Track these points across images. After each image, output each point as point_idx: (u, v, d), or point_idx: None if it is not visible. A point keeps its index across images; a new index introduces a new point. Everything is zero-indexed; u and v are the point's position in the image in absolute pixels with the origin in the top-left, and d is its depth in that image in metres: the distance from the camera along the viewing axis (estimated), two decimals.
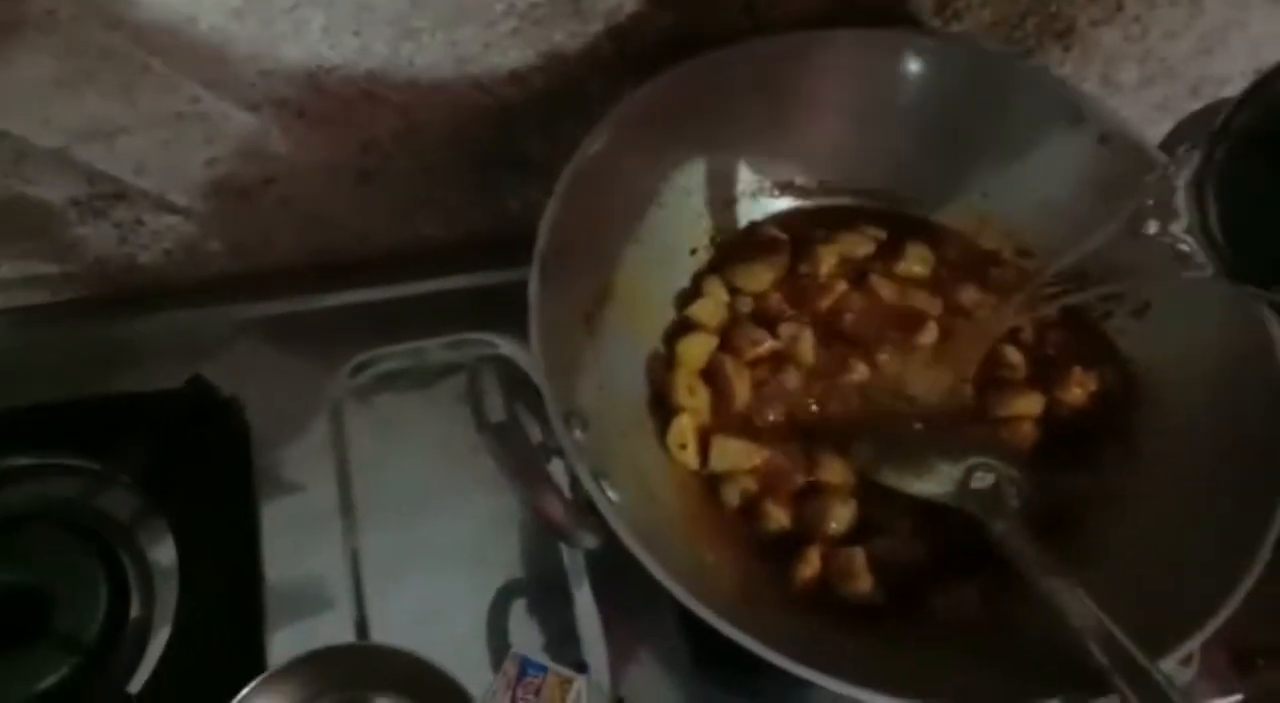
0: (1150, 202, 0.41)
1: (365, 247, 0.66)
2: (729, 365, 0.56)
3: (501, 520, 0.59)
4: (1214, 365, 0.55)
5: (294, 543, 0.57)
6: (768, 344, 0.57)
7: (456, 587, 0.57)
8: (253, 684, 0.48)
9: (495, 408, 0.44)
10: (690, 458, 0.54)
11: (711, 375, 0.56)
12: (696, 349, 0.56)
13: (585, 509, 0.43)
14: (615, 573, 0.56)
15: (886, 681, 0.42)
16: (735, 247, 0.60)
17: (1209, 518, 0.50)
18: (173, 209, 0.59)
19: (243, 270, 0.65)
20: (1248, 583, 0.46)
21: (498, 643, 0.56)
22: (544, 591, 0.58)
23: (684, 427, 0.54)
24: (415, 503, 0.59)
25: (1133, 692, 0.41)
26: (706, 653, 0.55)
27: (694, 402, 0.55)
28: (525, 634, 0.56)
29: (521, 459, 0.42)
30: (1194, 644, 0.44)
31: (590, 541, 0.43)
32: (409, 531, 0.58)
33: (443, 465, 0.60)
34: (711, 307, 0.58)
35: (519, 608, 0.57)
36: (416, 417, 0.62)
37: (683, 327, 0.57)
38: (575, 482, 0.45)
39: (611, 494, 0.45)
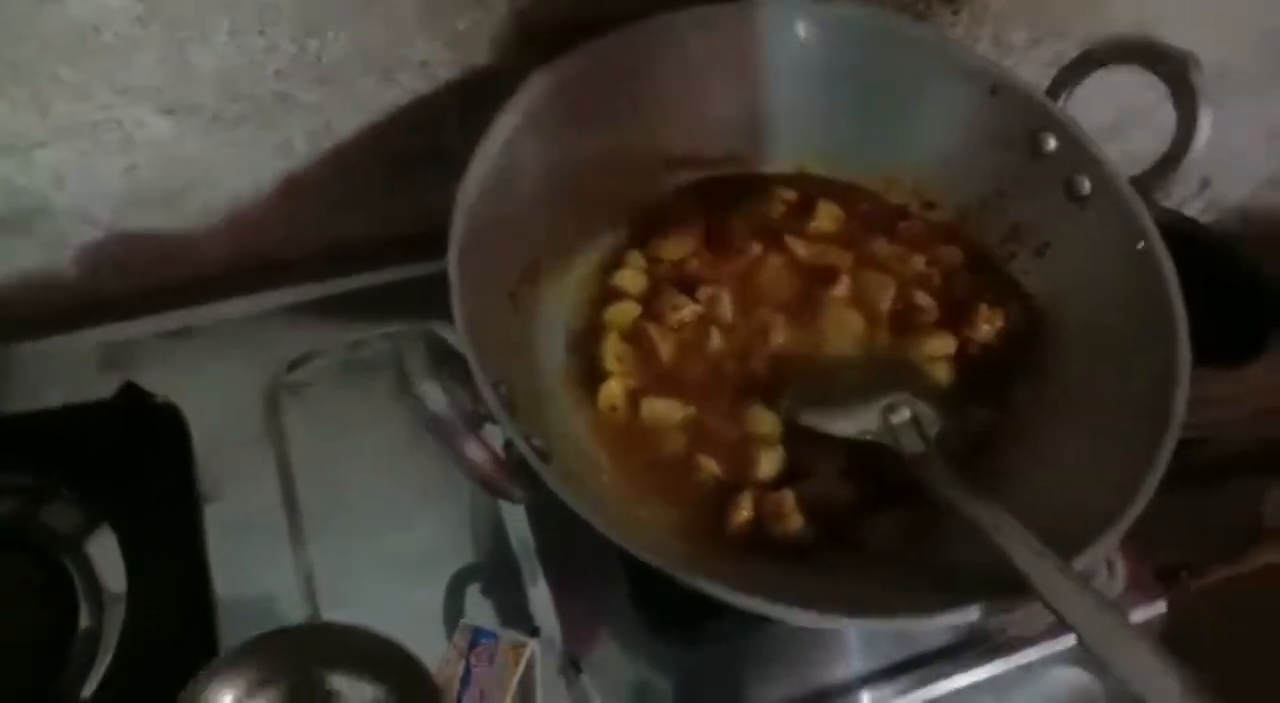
0: None
1: (291, 248, 0.67)
2: (653, 331, 0.58)
3: (447, 509, 0.60)
4: (1110, 297, 0.58)
5: (240, 541, 0.58)
6: (689, 308, 0.58)
7: (407, 575, 0.58)
8: (205, 670, 0.48)
9: (423, 378, 0.45)
10: (621, 419, 0.56)
11: (637, 340, 0.58)
12: (621, 317, 0.58)
13: (518, 469, 0.45)
14: (562, 544, 0.58)
15: (819, 603, 0.44)
16: (653, 219, 0.62)
17: (1111, 438, 0.53)
18: (95, 222, 0.60)
19: (170, 278, 0.65)
20: (1148, 492, 0.48)
21: (451, 623, 0.56)
22: (495, 573, 0.59)
23: (614, 390, 0.56)
24: (356, 495, 0.60)
25: (1049, 591, 0.43)
26: (654, 612, 0.57)
27: (622, 367, 0.57)
28: (478, 613, 0.57)
29: (448, 419, 0.43)
30: (1103, 548, 0.47)
31: (521, 495, 0.44)
32: (355, 521, 0.59)
33: (384, 458, 0.61)
34: (632, 275, 0.59)
35: (471, 591, 0.59)
36: (354, 411, 0.63)
37: (607, 296, 0.59)
38: (508, 445, 0.47)
39: (541, 447, 0.46)
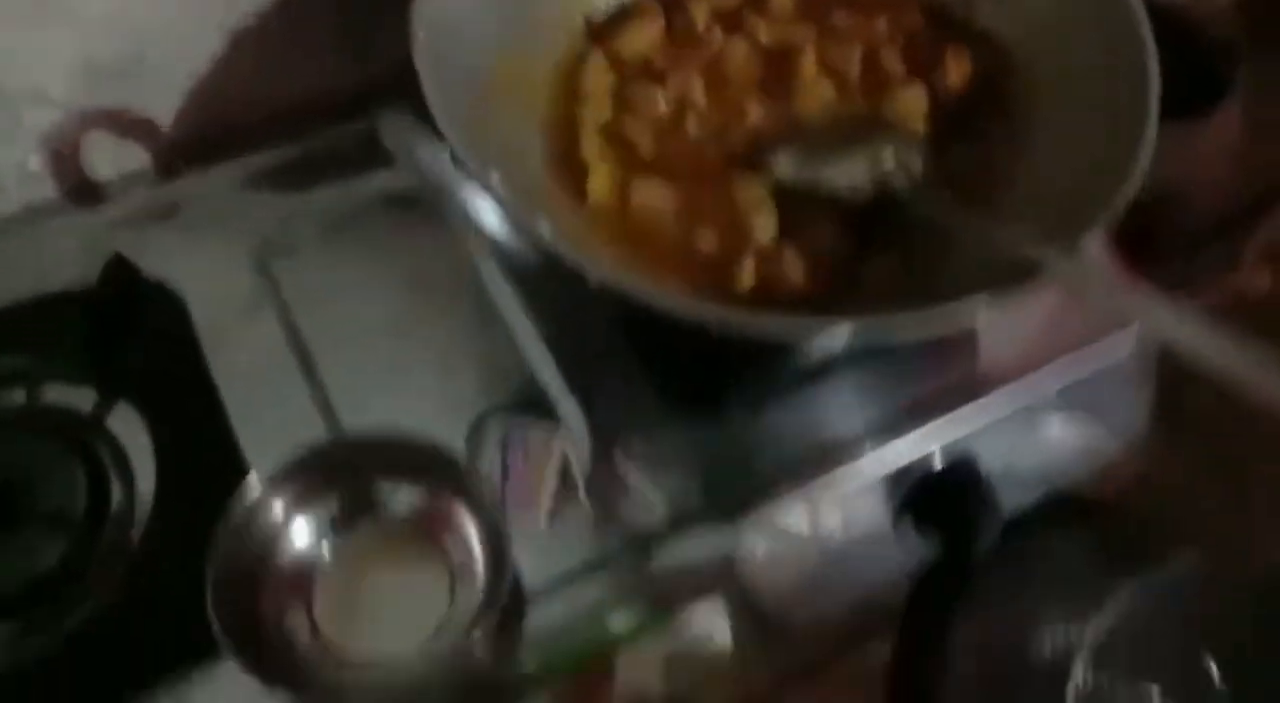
0: None
1: (253, 113, 0.66)
2: (629, 125, 0.58)
3: (453, 338, 0.60)
4: (1076, 33, 0.59)
5: (254, 391, 0.57)
6: (660, 99, 0.59)
7: (423, 394, 0.58)
8: (244, 490, 0.48)
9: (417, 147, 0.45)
10: (614, 211, 0.56)
11: (616, 138, 0.58)
12: (596, 115, 0.58)
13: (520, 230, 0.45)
14: (571, 337, 0.58)
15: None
16: (610, 21, 0.62)
17: (1089, 148, 0.54)
18: (50, 101, 0.59)
19: (138, 164, 0.65)
20: (1132, 187, 0.50)
21: (475, 435, 0.57)
22: (507, 381, 0.58)
23: (601, 181, 0.56)
24: (362, 338, 0.60)
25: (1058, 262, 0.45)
26: (675, 385, 0.57)
27: (604, 158, 0.57)
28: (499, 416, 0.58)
29: (450, 178, 0.44)
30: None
31: (531, 254, 0.45)
32: (363, 363, 0.59)
33: (380, 301, 0.61)
34: (598, 75, 0.60)
35: (488, 401, 0.58)
36: (345, 261, 0.63)
37: (577, 97, 0.59)
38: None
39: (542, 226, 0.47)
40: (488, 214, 0.45)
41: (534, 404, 0.57)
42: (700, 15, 0.62)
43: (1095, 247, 0.49)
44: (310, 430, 0.57)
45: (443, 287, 0.61)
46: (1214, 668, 0.56)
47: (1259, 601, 0.60)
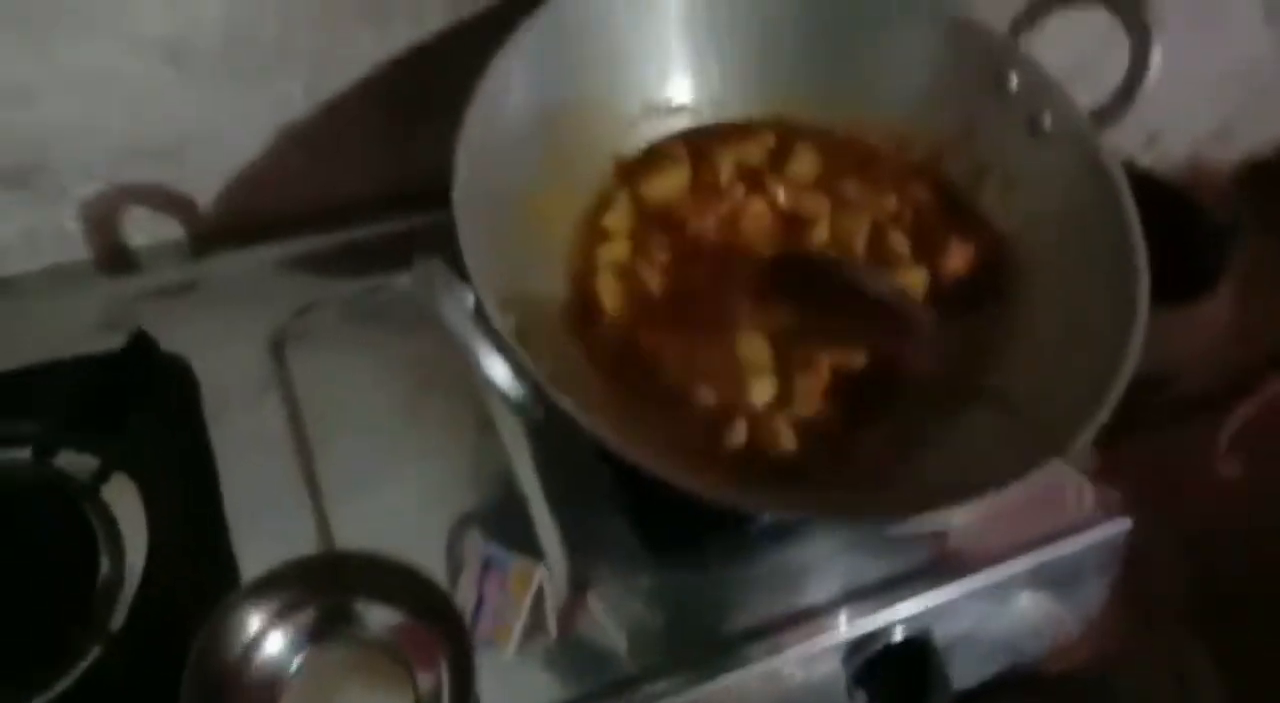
0: None
1: (288, 202, 0.68)
2: (643, 267, 0.60)
3: (447, 445, 0.62)
4: (1072, 228, 0.61)
5: (251, 481, 0.59)
6: (674, 245, 0.61)
7: (412, 507, 0.60)
8: (233, 595, 0.50)
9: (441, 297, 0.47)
10: (617, 351, 0.58)
11: (629, 277, 0.60)
12: (612, 255, 0.61)
13: (532, 386, 0.47)
14: (564, 472, 0.60)
15: (814, 505, 0.47)
16: (638, 165, 0.65)
17: (1080, 342, 0.57)
18: (95, 176, 0.61)
19: (172, 236, 0.67)
20: (1101, 417, 0.51)
21: (458, 551, 0.59)
22: (500, 503, 0.61)
23: (612, 315, 0.59)
24: (363, 434, 0.62)
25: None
26: (653, 533, 0.59)
27: (616, 302, 0.59)
28: (485, 541, 0.59)
29: (469, 333, 0.46)
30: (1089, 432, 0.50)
31: (537, 410, 0.47)
32: (361, 460, 0.61)
33: (388, 398, 0.63)
34: (621, 216, 0.62)
35: (473, 521, 0.60)
36: (357, 357, 0.65)
37: (598, 235, 0.61)
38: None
39: (545, 370, 0.49)
40: (499, 366, 0.46)
41: (516, 531, 0.59)
42: (726, 170, 0.64)
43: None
44: (299, 523, 0.59)
45: (447, 392, 0.63)
46: None
47: None
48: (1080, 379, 0.53)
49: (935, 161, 0.66)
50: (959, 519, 0.57)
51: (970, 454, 0.53)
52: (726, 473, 0.55)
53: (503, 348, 0.47)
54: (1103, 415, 0.50)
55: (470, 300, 0.48)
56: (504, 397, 0.47)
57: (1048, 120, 0.62)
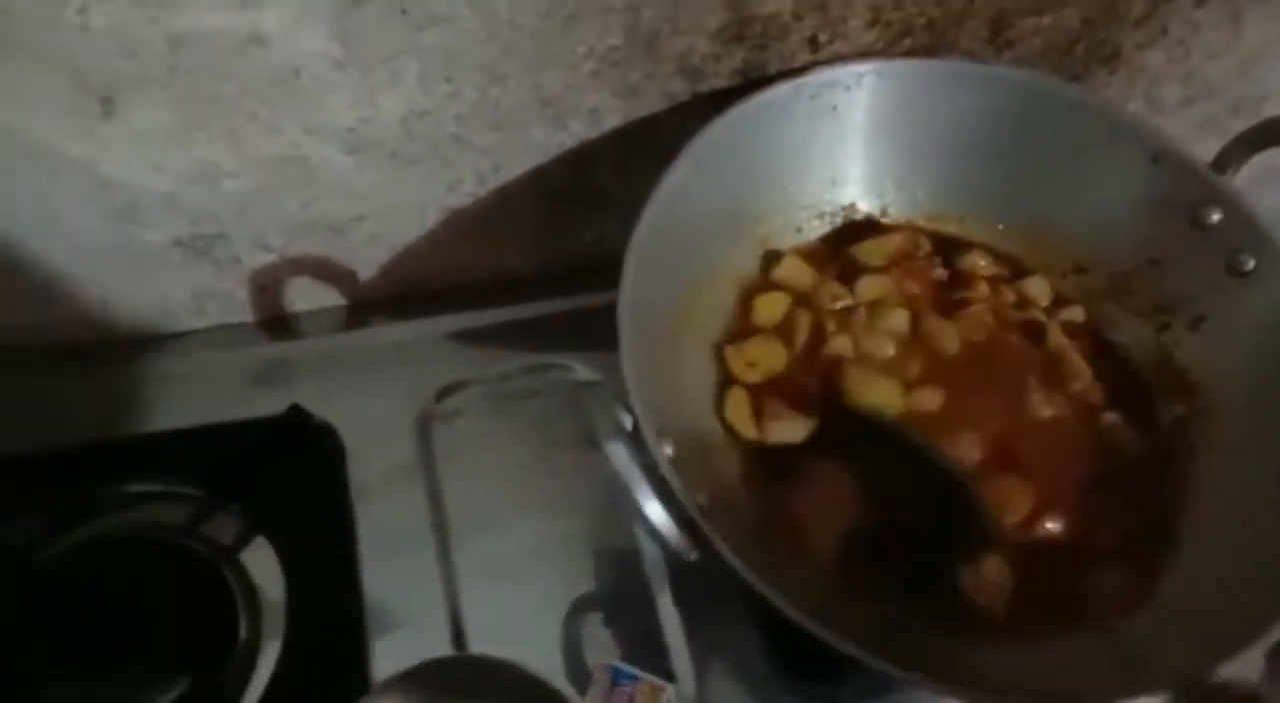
0: None
1: (446, 278, 0.69)
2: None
3: (581, 535, 0.61)
4: (1271, 378, 0.57)
5: (389, 561, 0.59)
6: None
7: (542, 597, 0.59)
8: (367, 696, 0.51)
9: (603, 428, 0.46)
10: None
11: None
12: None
13: (688, 525, 0.46)
14: (693, 584, 0.59)
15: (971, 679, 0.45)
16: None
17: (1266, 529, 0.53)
18: (268, 247, 0.63)
19: (331, 302, 0.68)
20: None
21: (582, 652, 0.58)
22: (625, 602, 0.60)
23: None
24: (499, 519, 0.61)
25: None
26: (789, 662, 0.57)
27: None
28: (607, 643, 0.58)
29: (631, 477, 0.45)
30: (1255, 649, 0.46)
31: (693, 553, 0.46)
32: (495, 545, 0.61)
33: (530, 486, 0.63)
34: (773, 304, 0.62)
35: (599, 618, 0.60)
36: (498, 439, 0.65)
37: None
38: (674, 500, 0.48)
39: (704, 505, 0.48)
40: (651, 499, 0.45)
41: (647, 646, 0.58)
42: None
43: None
44: (431, 607, 0.59)
45: (586, 487, 0.63)
46: None
47: None
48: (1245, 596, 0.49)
49: (1117, 289, 0.63)
50: None
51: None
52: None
53: (656, 480, 0.46)
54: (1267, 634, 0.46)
55: (628, 423, 0.48)
56: (655, 532, 0.46)
57: (1250, 262, 0.57)
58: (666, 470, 0.47)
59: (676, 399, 0.55)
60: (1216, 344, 0.59)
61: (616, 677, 0.55)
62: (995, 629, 0.53)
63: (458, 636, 0.58)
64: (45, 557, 0.58)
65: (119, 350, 0.66)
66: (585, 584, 0.60)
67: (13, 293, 0.61)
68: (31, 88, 0.50)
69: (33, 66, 0.49)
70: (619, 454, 0.46)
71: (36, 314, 0.63)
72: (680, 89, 0.60)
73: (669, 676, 0.56)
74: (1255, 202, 0.58)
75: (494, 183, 0.62)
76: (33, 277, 0.60)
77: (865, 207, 0.65)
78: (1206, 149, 0.62)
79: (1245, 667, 0.46)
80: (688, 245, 0.58)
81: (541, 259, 0.69)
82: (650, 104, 0.60)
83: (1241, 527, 0.54)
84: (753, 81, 0.60)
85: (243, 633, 0.58)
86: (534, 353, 0.66)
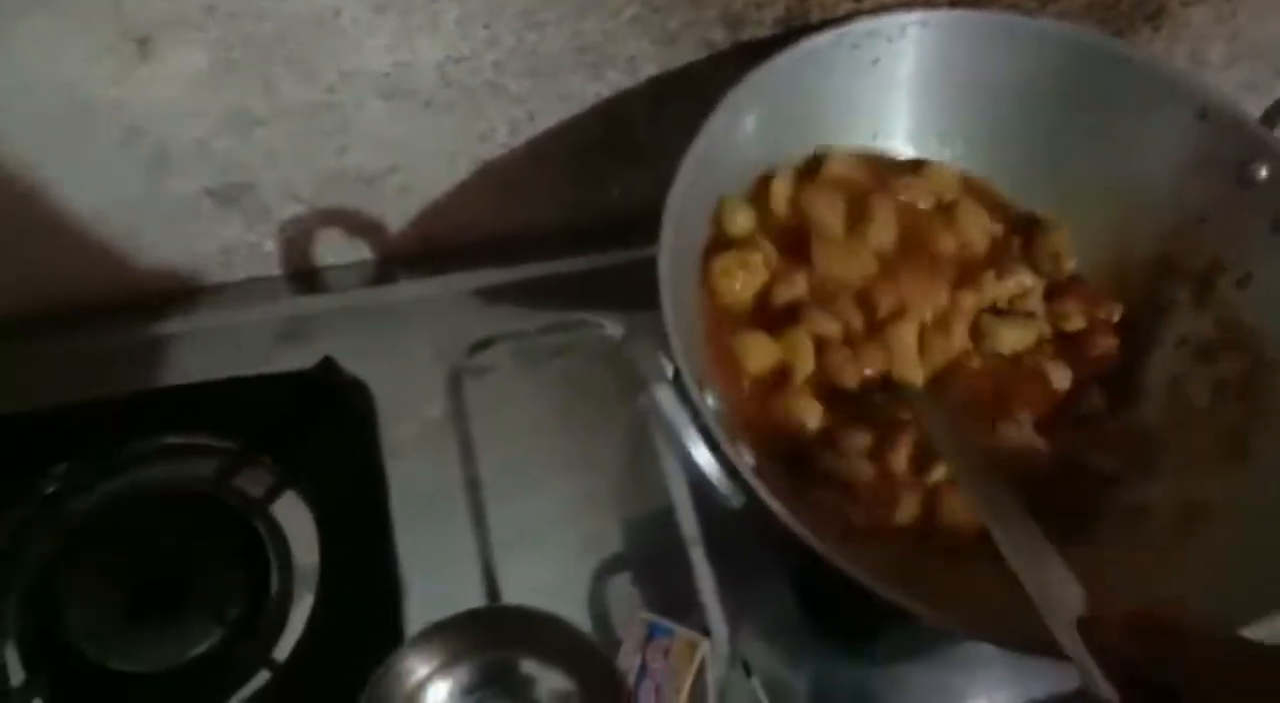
0: None
1: (477, 231, 0.68)
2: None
3: (614, 493, 0.61)
4: None
5: (422, 517, 0.59)
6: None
7: (574, 554, 0.59)
8: (402, 645, 0.50)
9: (656, 383, 0.46)
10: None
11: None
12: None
13: (732, 473, 0.45)
14: (728, 540, 0.58)
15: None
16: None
17: None
18: (298, 198, 0.62)
19: (361, 255, 0.67)
20: None
21: (614, 608, 0.58)
22: (657, 560, 0.60)
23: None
24: (531, 476, 0.61)
25: None
26: (822, 617, 0.57)
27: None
28: (639, 601, 0.58)
29: (678, 425, 0.44)
30: None
31: (738, 498, 0.45)
32: (527, 502, 0.60)
33: (556, 441, 0.62)
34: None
35: (631, 576, 0.59)
36: (530, 395, 0.64)
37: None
38: (718, 449, 0.47)
39: (747, 458, 0.47)
40: (699, 448, 0.45)
41: (682, 599, 0.57)
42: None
43: None
44: (465, 562, 0.58)
45: (622, 444, 0.62)
46: None
47: None
48: None
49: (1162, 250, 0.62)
50: None
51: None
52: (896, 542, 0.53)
53: (702, 429, 0.46)
54: None
55: (669, 372, 0.47)
56: (702, 480, 0.46)
57: None
58: (710, 419, 0.46)
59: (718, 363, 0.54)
60: (1264, 302, 0.58)
61: (653, 631, 0.55)
62: None
63: (491, 591, 0.58)
64: (80, 506, 0.58)
65: (149, 304, 0.65)
66: (616, 542, 0.60)
67: (42, 246, 0.61)
68: (68, 28, 0.49)
69: (72, 3, 0.48)
70: (666, 400, 0.45)
71: (67, 267, 0.63)
72: (721, 38, 0.59)
73: (704, 631, 0.55)
74: None
75: (527, 134, 0.61)
76: (62, 229, 0.60)
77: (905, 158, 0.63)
78: (1251, 109, 0.61)
79: None
80: (730, 194, 0.57)
81: (572, 214, 0.68)
82: (689, 53, 0.59)
83: None
84: (794, 30, 0.59)
85: (275, 585, 0.58)
86: (564, 310, 0.66)
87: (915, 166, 0.64)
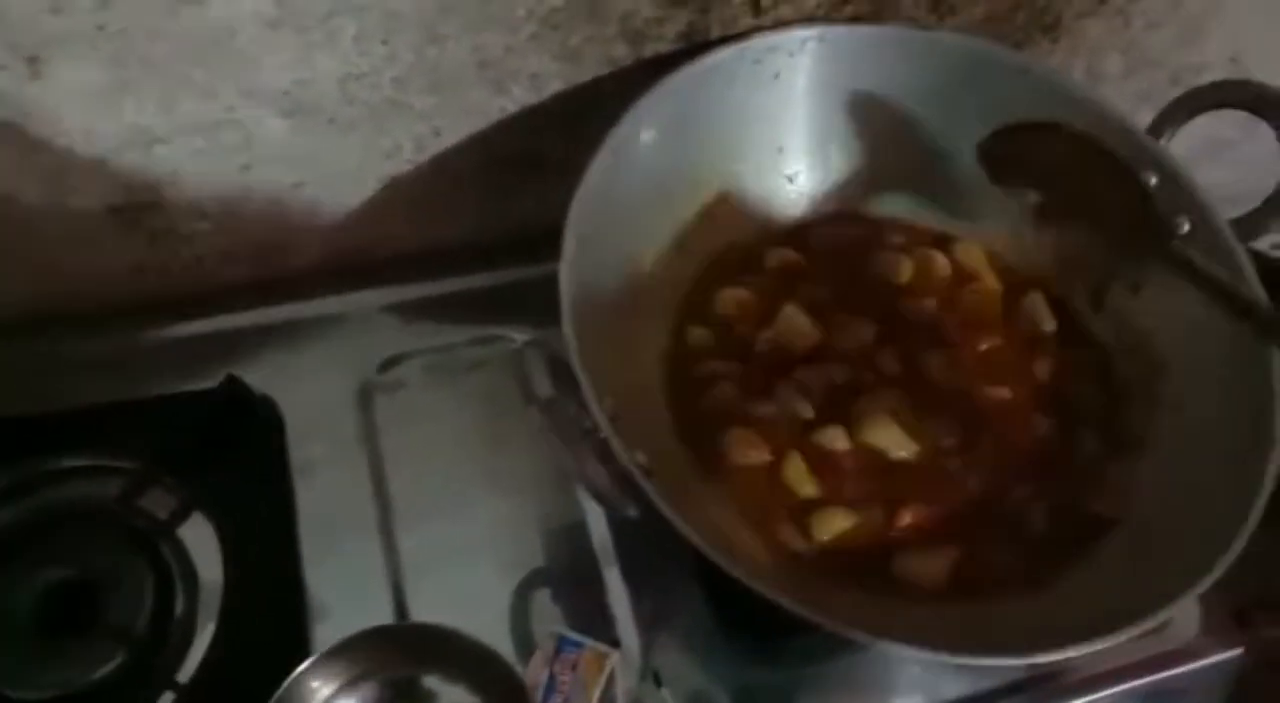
0: None
1: (385, 249, 0.68)
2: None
3: (527, 509, 0.61)
4: (1205, 338, 0.58)
5: (330, 537, 0.59)
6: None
7: (487, 573, 0.59)
8: (303, 667, 0.50)
9: (541, 387, 0.46)
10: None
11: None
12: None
13: (628, 483, 0.46)
14: (640, 552, 0.59)
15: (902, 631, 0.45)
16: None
17: (1205, 488, 0.54)
18: (204, 215, 0.61)
19: (269, 274, 0.67)
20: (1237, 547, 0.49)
21: (529, 626, 0.57)
22: (571, 575, 0.60)
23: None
24: (444, 494, 0.61)
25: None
26: (733, 625, 0.57)
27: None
28: (555, 616, 0.58)
29: (570, 431, 0.45)
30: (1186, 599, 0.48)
31: (633, 509, 0.45)
32: (439, 521, 0.60)
33: (472, 458, 0.62)
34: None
35: (547, 592, 0.59)
36: (442, 411, 0.64)
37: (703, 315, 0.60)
38: (614, 459, 0.47)
39: (645, 464, 0.47)
40: (591, 460, 0.45)
41: (591, 612, 0.57)
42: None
43: None
44: (374, 579, 0.58)
45: (531, 458, 0.62)
46: None
47: None
48: (1212, 504, 0.50)
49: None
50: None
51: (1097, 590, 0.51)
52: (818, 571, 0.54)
53: (597, 440, 0.46)
54: (1237, 547, 0.47)
55: (560, 403, 0.47)
56: (596, 491, 0.46)
57: (1185, 225, 0.58)
58: (606, 429, 0.46)
59: (620, 362, 0.54)
60: (1154, 308, 0.60)
61: (562, 644, 0.55)
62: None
63: (401, 610, 0.57)
64: None
65: (53, 324, 0.64)
66: (532, 559, 0.60)
67: None
68: None
69: None
70: (554, 412, 0.45)
71: None
72: (623, 53, 0.59)
73: (614, 643, 0.55)
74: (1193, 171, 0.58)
75: (434, 150, 0.61)
76: None
77: (807, 179, 0.65)
78: (1147, 121, 0.63)
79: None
80: (630, 210, 0.58)
81: (483, 230, 0.68)
82: (592, 68, 0.59)
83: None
84: (696, 46, 0.59)
85: (180, 607, 0.57)
86: (475, 326, 0.66)
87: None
